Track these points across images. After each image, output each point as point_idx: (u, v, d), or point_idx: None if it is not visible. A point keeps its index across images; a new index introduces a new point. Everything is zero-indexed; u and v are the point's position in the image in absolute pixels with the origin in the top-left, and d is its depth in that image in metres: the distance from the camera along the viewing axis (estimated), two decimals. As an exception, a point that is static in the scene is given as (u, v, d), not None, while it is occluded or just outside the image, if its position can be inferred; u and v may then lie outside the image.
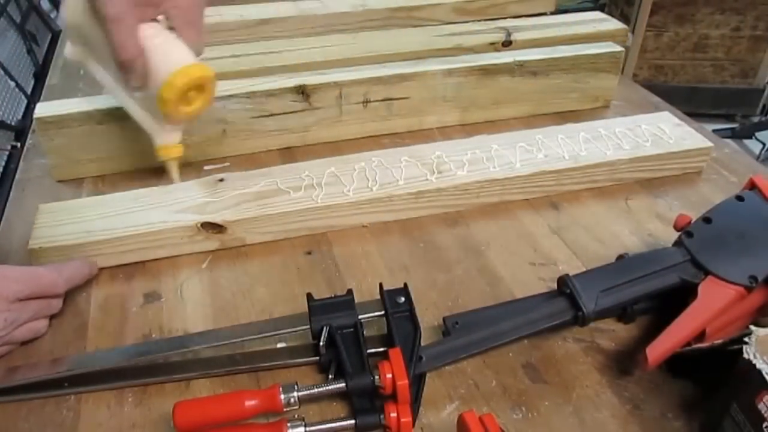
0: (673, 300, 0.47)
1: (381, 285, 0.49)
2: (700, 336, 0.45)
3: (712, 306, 0.45)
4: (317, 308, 0.47)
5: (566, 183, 0.65)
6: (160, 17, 0.52)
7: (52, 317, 0.51)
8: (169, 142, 0.56)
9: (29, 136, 0.75)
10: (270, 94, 0.68)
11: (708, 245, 0.48)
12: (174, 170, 0.58)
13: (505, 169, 0.63)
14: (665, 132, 0.69)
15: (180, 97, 0.51)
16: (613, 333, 0.50)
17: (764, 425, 0.35)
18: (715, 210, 0.50)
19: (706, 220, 0.50)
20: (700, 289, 0.46)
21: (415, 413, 0.42)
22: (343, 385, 0.42)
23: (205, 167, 0.69)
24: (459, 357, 0.45)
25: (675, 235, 0.51)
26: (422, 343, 0.45)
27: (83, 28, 0.53)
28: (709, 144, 0.68)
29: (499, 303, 0.51)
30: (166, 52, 0.50)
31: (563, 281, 0.48)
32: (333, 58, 0.80)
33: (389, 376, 0.41)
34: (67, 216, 0.57)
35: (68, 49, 0.58)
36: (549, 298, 0.49)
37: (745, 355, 0.37)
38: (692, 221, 0.50)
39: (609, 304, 0.47)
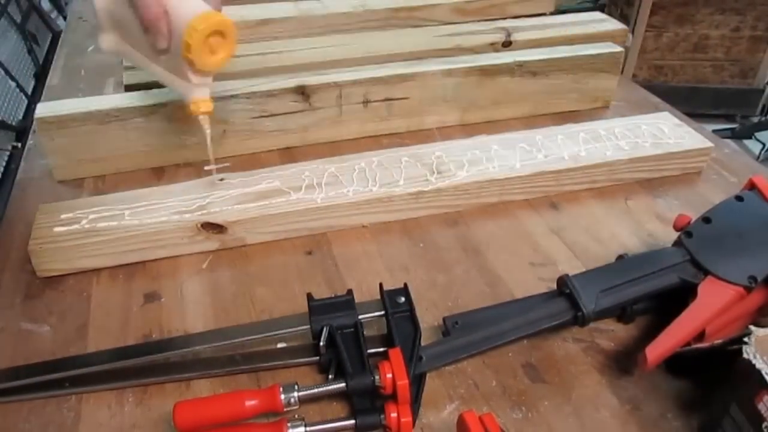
0: (673, 300, 0.47)
1: (381, 285, 0.49)
2: (700, 336, 0.45)
3: (711, 306, 0.45)
4: (317, 308, 0.47)
5: (566, 183, 0.65)
6: None
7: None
8: (199, 97, 0.58)
9: (30, 136, 0.75)
10: (270, 94, 0.69)
11: (707, 245, 0.48)
12: (206, 124, 0.60)
13: (504, 170, 0.63)
14: (665, 132, 0.69)
15: (203, 43, 0.53)
16: (613, 333, 0.50)
17: (764, 425, 0.35)
18: (715, 210, 0.50)
19: (706, 220, 0.50)
20: (699, 289, 0.46)
21: (415, 413, 0.42)
22: (343, 385, 0.42)
23: (205, 167, 0.69)
24: (459, 357, 0.45)
25: (675, 235, 0.51)
26: (422, 343, 0.45)
27: (111, 12, 0.57)
28: (709, 144, 0.68)
29: (498, 303, 0.51)
30: (186, 5, 0.53)
31: (563, 281, 0.48)
32: (333, 59, 0.80)
33: (389, 376, 0.41)
34: (67, 216, 0.57)
35: (102, 40, 0.61)
36: (549, 298, 0.49)
37: (745, 355, 0.37)
38: (692, 221, 0.51)
39: (609, 304, 0.47)
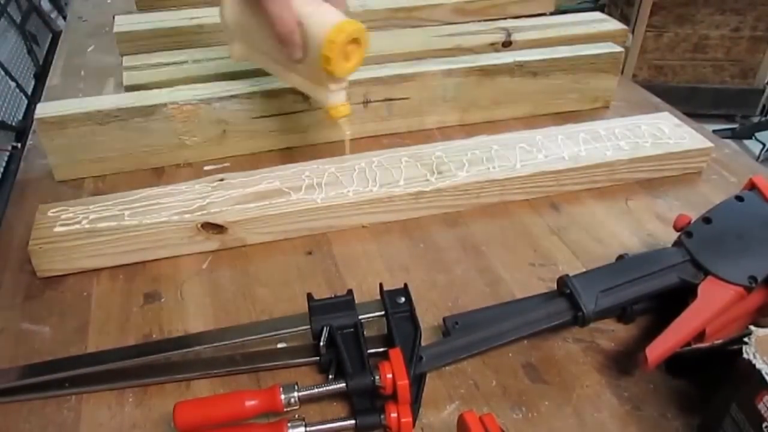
0: (673, 300, 0.47)
1: (381, 285, 0.49)
2: (700, 336, 0.45)
3: (711, 306, 0.45)
4: (317, 308, 0.47)
5: (566, 183, 0.65)
6: None
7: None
8: (338, 102, 0.59)
9: (30, 136, 0.75)
10: (270, 94, 0.69)
11: (708, 245, 0.48)
12: (346, 127, 0.61)
13: (505, 170, 0.63)
14: (665, 132, 0.69)
15: (340, 53, 0.54)
16: (613, 333, 0.50)
17: (764, 425, 0.35)
18: (715, 210, 0.50)
19: (706, 220, 0.50)
20: (699, 289, 0.46)
21: (415, 413, 0.42)
22: (344, 385, 0.42)
23: (206, 167, 0.69)
24: (459, 357, 0.45)
25: (675, 236, 0.51)
26: (422, 344, 0.45)
27: (241, 24, 0.60)
28: (709, 144, 0.68)
29: (499, 303, 0.51)
30: (319, 15, 0.54)
31: (563, 282, 0.48)
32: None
33: (389, 376, 0.41)
34: (67, 216, 0.57)
35: (232, 50, 0.64)
36: (549, 298, 0.49)
37: (745, 355, 0.37)
38: (692, 221, 0.51)
39: (609, 305, 0.47)
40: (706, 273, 0.47)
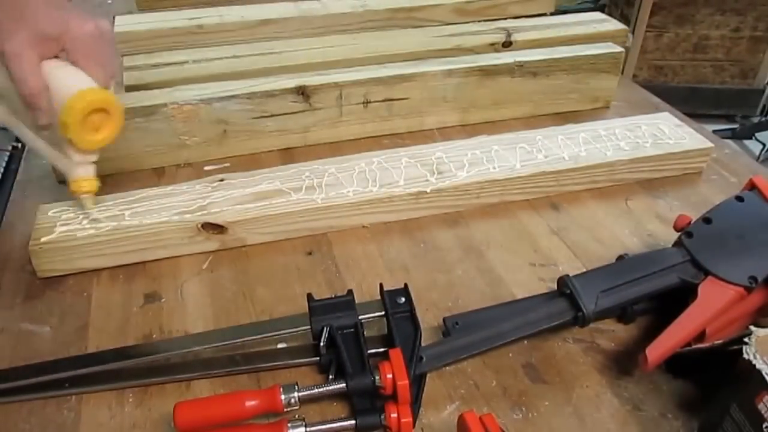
0: (673, 300, 0.47)
1: (381, 285, 0.49)
2: (700, 336, 0.45)
3: (711, 306, 0.45)
4: (318, 309, 0.47)
5: (566, 184, 0.65)
6: (62, 53, 0.52)
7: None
8: (81, 176, 0.55)
9: (30, 136, 0.75)
10: (270, 94, 0.69)
11: (708, 246, 0.48)
12: (89, 204, 0.57)
13: (505, 170, 0.63)
14: (665, 132, 0.69)
15: (81, 122, 0.51)
16: (613, 333, 0.50)
17: (764, 425, 0.35)
18: (715, 210, 0.50)
19: (706, 220, 0.50)
20: (699, 289, 0.46)
21: (415, 413, 0.42)
22: (344, 385, 0.42)
23: (206, 167, 0.69)
24: (459, 357, 0.45)
25: (675, 236, 0.51)
26: (422, 344, 0.45)
27: (1, 84, 0.52)
28: (709, 144, 0.68)
29: (499, 303, 0.51)
30: (67, 80, 0.51)
31: (563, 282, 0.48)
32: (333, 59, 0.80)
33: (389, 376, 0.41)
34: (67, 216, 0.57)
35: None
36: (549, 298, 0.49)
37: (745, 356, 0.37)
38: (692, 222, 0.50)
39: (609, 305, 0.47)
40: (707, 273, 0.47)
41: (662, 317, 0.47)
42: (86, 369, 0.46)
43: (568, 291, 0.47)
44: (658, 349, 0.43)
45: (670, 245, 0.51)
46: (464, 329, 0.48)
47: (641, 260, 0.50)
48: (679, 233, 0.50)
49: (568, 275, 0.48)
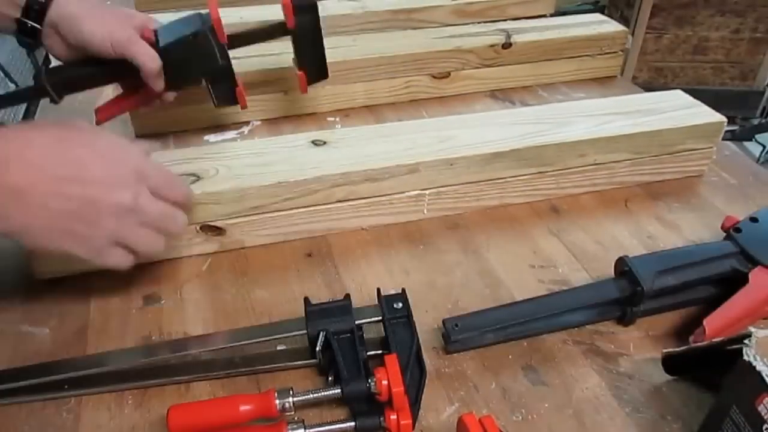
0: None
1: (379, 290, 0.49)
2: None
3: (761, 290, 0.50)
4: (314, 313, 0.47)
5: (566, 186, 0.65)
6: None
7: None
8: None
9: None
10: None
11: (756, 240, 0.53)
12: None
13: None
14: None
15: None
16: (613, 335, 0.50)
17: (764, 427, 0.35)
18: (761, 211, 0.55)
19: (753, 219, 0.55)
20: (750, 276, 0.50)
21: (415, 415, 0.42)
22: (339, 391, 0.42)
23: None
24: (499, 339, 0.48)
25: (674, 239, 0.53)
26: (422, 346, 0.45)
27: None
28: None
29: (499, 305, 0.51)
30: None
31: (622, 261, 0.50)
32: (333, 60, 0.80)
33: (385, 382, 0.41)
34: (67, 218, 0.57)
35: None
36: (603, 282, 0.52)
37: (745, 357, 0.37)
38: (740, 221, 0.54)
39: (665, 284, 0.49)
40: (755, 263, 0.51)
41: (661, 318, 0.47)
42: (85, 371, 0.46)
43: (627, 268, 0.49)
44: (715, 322, 0.47)
45: (668, 248, 0.52)
46: (464, 330, 0.48)
47: (693, 250, 0.53)
48: (728, 231, 0.54)
49: (626, 255, 0.51)
